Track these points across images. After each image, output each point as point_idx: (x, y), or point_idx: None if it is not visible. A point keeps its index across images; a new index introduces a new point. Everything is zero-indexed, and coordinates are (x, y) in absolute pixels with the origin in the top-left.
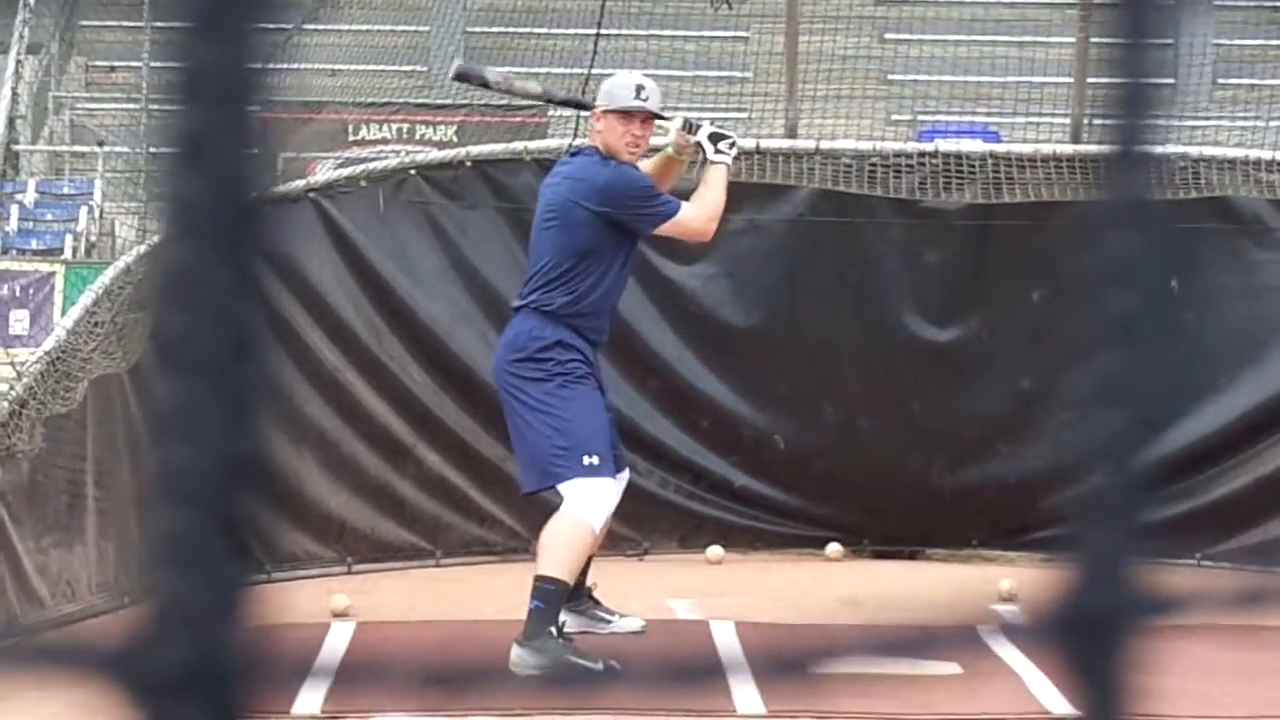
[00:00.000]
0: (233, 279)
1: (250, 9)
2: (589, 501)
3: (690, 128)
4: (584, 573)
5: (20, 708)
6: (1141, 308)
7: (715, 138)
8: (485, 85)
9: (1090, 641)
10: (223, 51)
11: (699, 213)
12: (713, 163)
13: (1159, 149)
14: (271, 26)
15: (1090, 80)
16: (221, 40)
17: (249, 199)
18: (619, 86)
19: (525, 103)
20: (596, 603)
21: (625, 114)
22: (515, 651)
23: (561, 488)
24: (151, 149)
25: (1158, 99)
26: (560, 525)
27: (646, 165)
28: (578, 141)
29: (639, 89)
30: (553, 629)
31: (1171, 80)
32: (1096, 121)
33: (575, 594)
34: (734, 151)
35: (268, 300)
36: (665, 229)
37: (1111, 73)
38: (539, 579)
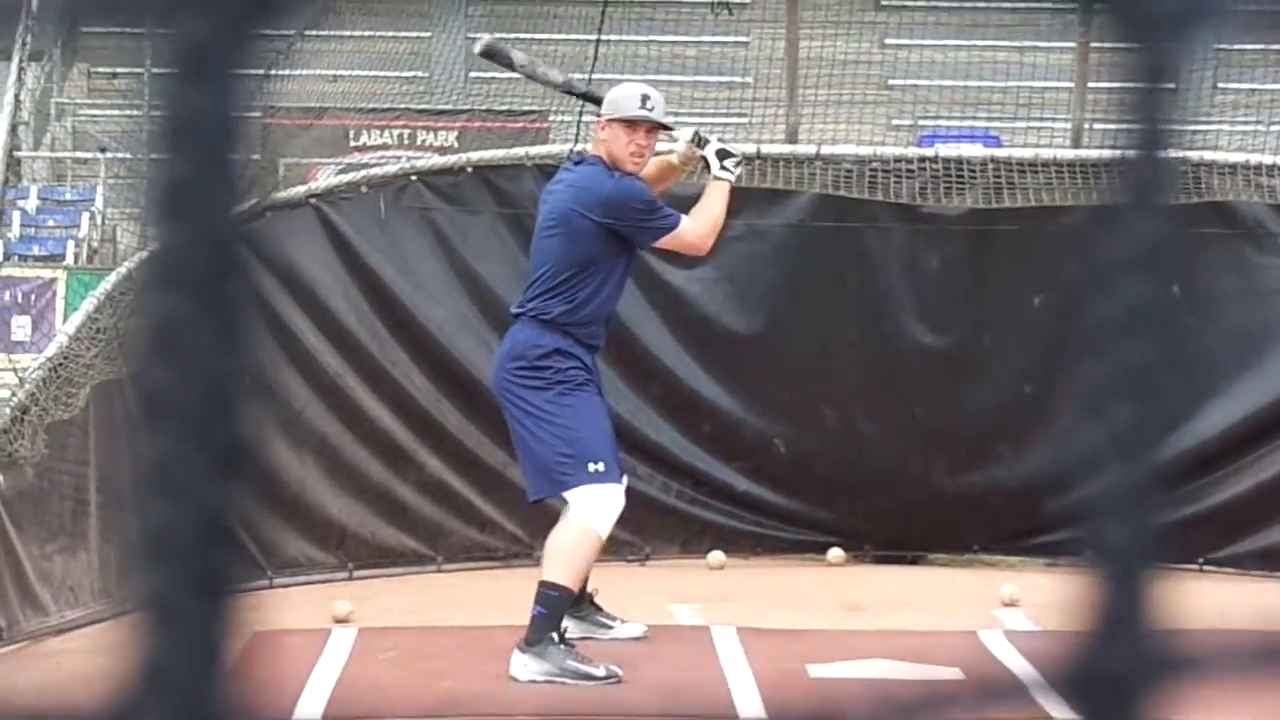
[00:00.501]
0: (216, 332)
1: (235, 56)
2: (595, 508)
3: (699, 141)
4: (585, 578)
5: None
6: (1153, 354)
7: (722, 154)
8: (510, 66)
9: (1107, 703)
10: (206, 99)
11: (699, 227)
12: (717, 178)
13: (1174, 152)
14: (273, 34)
15: (1091, 85)
16: (205, 88)
17: (233, 249)
18: (624, 96)
19: (526, 108)
20: (598, 608)
21: (630, 124)
22: (517, 657)
23: (568, 495)
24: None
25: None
26: (566, 532)
27: (648, 167)
28: (580, 147)
29: (644, 99)
30: (555, 635)
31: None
32: (1098, 126)
33: (577, 600)
34: (739, 170)
35: (252, 353)
36: (664, 242)
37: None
38: (543, 585)
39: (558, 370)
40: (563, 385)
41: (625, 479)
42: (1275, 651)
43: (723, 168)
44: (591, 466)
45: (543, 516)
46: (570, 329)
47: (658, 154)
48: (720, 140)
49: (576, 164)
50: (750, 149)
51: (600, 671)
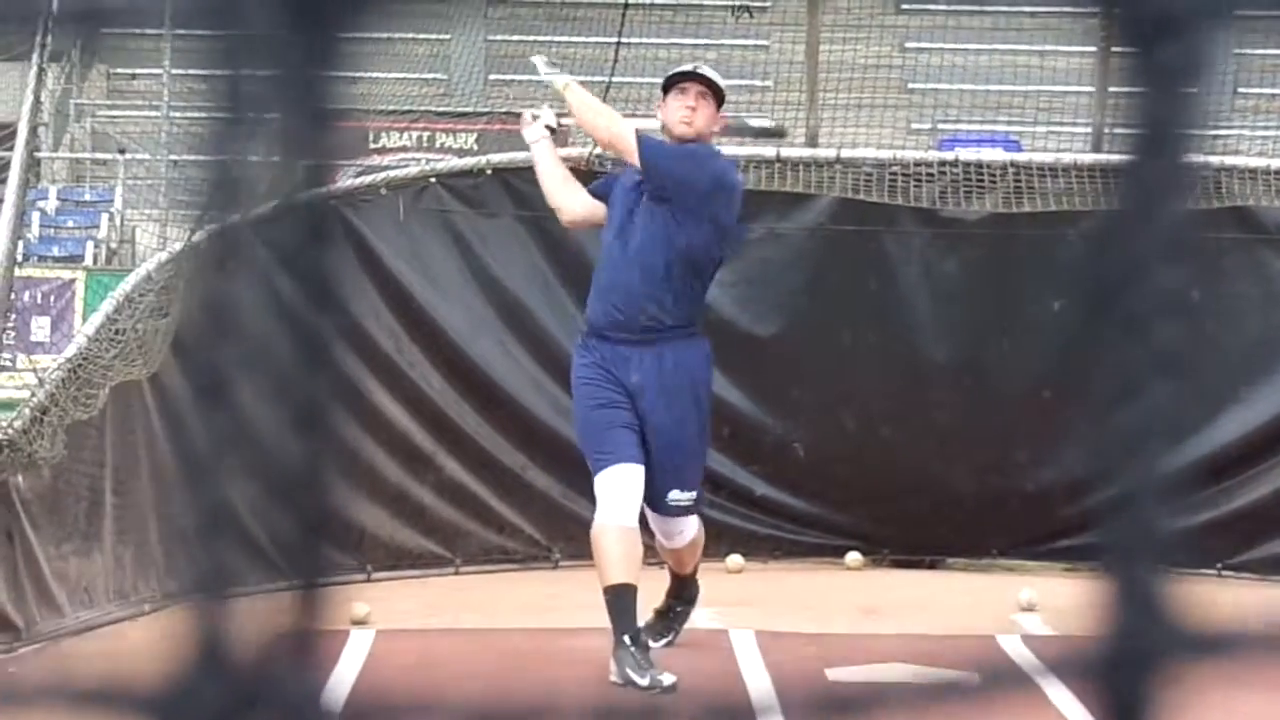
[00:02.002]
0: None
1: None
2: (599, 502)
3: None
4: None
5: (40, 714)
6: (1185, 339)
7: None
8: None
9: (1128, 679)
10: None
11: (603, 123)
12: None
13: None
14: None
15: (1111, 89)
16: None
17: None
18: (668, 73)
19: None
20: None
21: (679, 90)
22: (611, 661)
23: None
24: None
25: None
26: (591, 532)
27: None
28: (599, 151)
29: (693, 67)
30: (626, 637)
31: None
32: (1118, 131)
33: None
34: (555, 77)
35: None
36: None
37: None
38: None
39: (573, 365)
40: (575, 389)
41: (672, 520)
42: None
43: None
44: (590, 461)
45: (560, 519)
46: (589, 321)
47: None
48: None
49: None
50: (770, 153)
51: (642, 681)
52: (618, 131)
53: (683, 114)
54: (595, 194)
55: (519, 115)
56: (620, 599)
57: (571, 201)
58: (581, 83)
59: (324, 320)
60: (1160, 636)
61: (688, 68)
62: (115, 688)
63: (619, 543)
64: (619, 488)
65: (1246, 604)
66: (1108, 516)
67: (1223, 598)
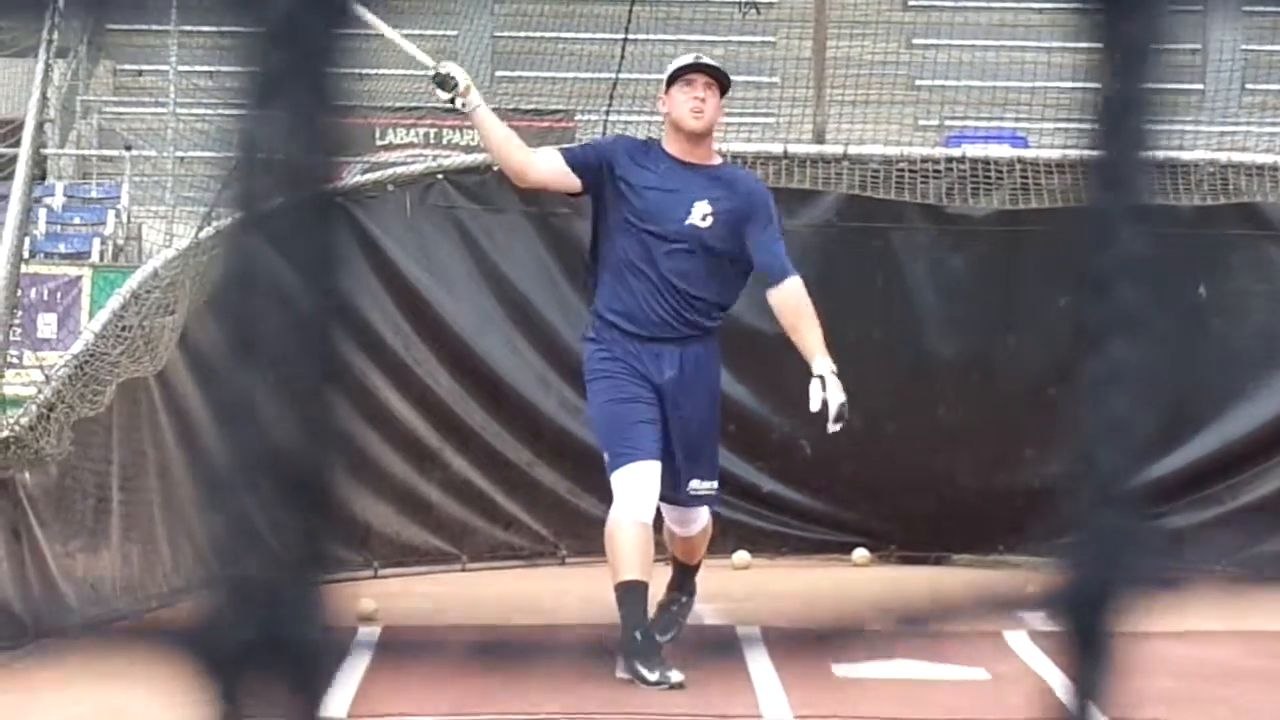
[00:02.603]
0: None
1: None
2: (616, 498)
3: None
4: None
5: (46, 709)
6: (1146, 302)
7: (448, 87)
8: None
9: (1086, 613)
10: (294, 56)
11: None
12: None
13: (1160, 154)
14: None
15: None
16: (293, 46)
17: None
18: (673, 64)
19: (552, 107)
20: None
21: (686, 82)
22: (618, 657)
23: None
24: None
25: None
26: (606, 527)
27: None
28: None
29: (697, 57)
30: (637, 632)
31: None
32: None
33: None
34: (456, 94)
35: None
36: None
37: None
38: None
39: (589, 358)
40: (589, 376)
41: (688, 512)
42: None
43: (449, 102)
44: (607, 455)
45: (567, 516)
46: (603, 315)
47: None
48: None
49: None
50: (778, 149)
51: (652, 676)
52: None
53: (692, 105)
54: (574, 163)
55: (526, 111)
56: (632, 594)
57: (539, 161)
58: (586, 80)
59: (325, 305)
60: (1117, 575)
61: (689, 59)
62: (152, 626)
63: (635, 539)
64: (638, 484)
65: (1251, 603)
66: (1071, 468)
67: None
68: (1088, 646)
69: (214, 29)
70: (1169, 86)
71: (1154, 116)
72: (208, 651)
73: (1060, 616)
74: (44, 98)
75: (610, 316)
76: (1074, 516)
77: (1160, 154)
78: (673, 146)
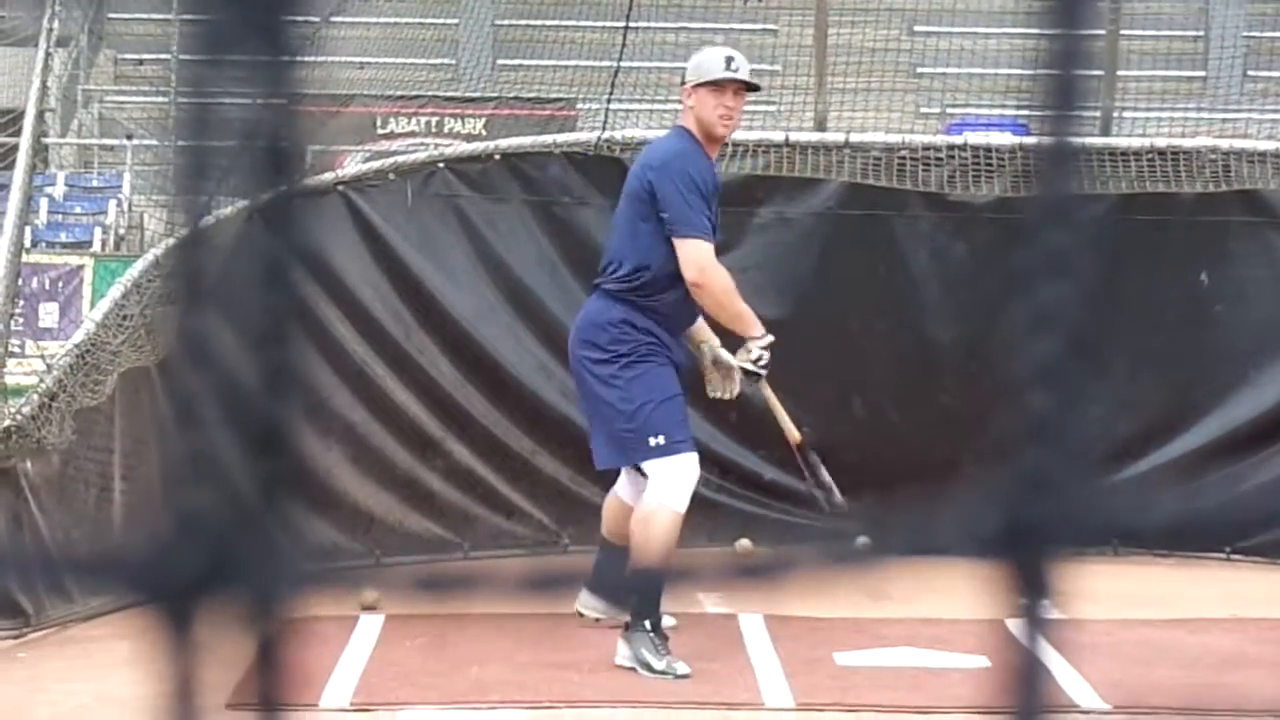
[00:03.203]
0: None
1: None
2: (666, 483)
3: (747, 373)
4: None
5: (51, 699)
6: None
7: (747, 374)
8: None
9: (1024, 555)
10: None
11: (712, 270)
12: (737, 358)
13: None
14: (299, 20)
15: (1120, 73)
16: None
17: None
18: (709, 60)
19: (554, 95)
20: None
21: (717, 86)
22: (619, 643)
23: (645, 468)
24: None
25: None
26: (640, 513)
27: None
28: (608, 136)
29: (729, 60)
30: (648, 622)
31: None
32: (1127, 114)
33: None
34: (741, 380)
35: (297, 294)
36: (677, 240)
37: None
38: (633, 570)
39: (624, 341)
40: (627, 358)
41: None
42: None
43: (743, 359)
44: (652, 440)
45: (569, 504)
46: (640, 301)
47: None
48: (760, 359)
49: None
50: (779, 137)
51: (659, 665)
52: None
53: (723, 112)
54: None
55: (528, 100)
56: (656, 584)
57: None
58: (588, 68)
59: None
60: (1054, 517)
61: (724, 63)
62: (107, 560)
63: (676, 530)
64: (690, 477)
65: (1253, 590)
66: (1004, 415)
67: (1233, 581)
68: (1025, 590)
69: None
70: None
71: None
72: (158, 581)
73: (997, 557)
74: (44, 87)
75: (660, 309)
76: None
77: (1161, 141)
78: (705, 143)
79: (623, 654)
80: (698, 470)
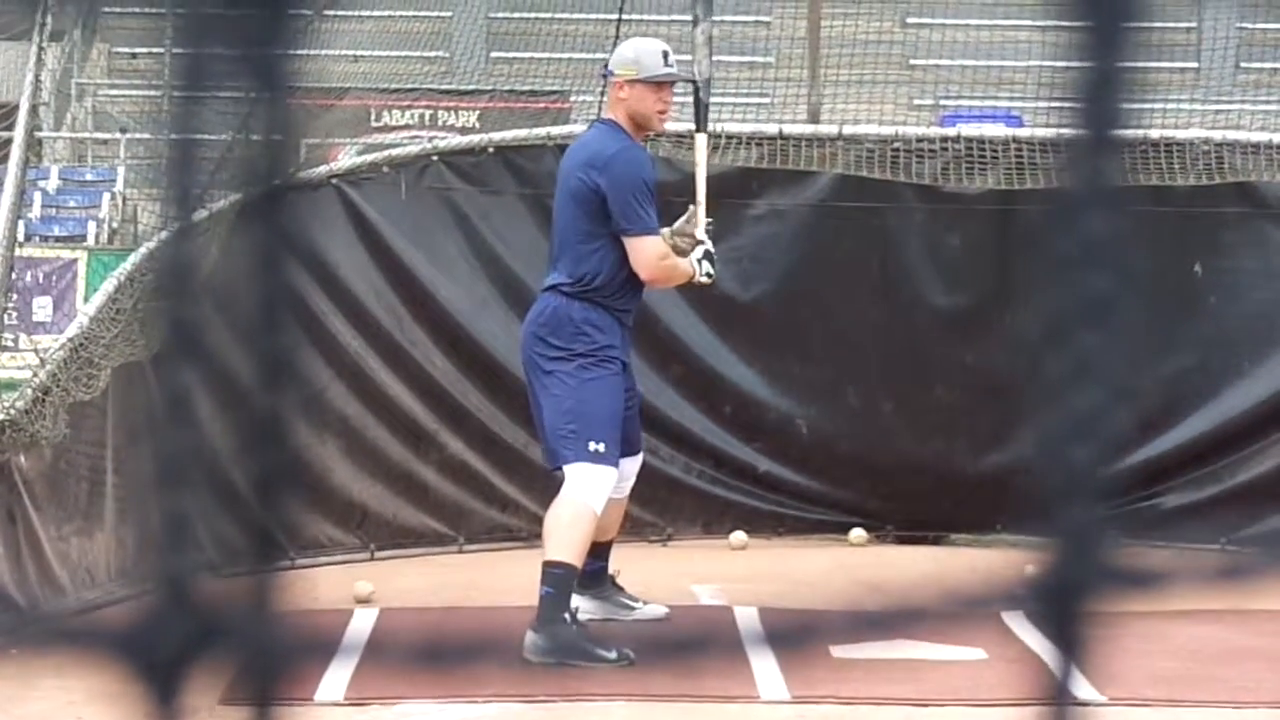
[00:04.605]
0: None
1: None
2: (589, 486)
3: (706, 255)
4: (606, 559)
5: (43, 694)
6: (1113, 290)
7: (708, 256)
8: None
9: (1060, 612)
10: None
11: (663, 261)
12: (690, 263)
13: (1129, 133)
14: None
15: (1115, 65)
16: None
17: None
18: (646, 54)
19: (548, 88)
20: (620, 589)
21: (656, 83)
22: (529, 638)
23: (565, 469)
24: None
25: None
26: (563, 509)
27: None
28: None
29: (665, 55)
30: (566, 615)
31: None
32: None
33: (598, 581)
34: (704, 280)
35: (287, 283)
36: (628, 239)
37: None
38: (546, 564)
39: (584, 343)
40: (586, 359)
41: (640, 457)
42: (1235, 569)
43: (697, 261)
44: (591, 445)
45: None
46: (599, 301)
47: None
48: (712, 253)
49: (590, 127)
50: (773, 129)
51: (611, 654)
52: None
53: (661, 108)
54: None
55: (522, 93)
56: (573, 579)
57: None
58: (582, 61)
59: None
60: (1093, 570)
61: (663, 60)
62: (88, 625)
63: (591, 531)
64: (607, 489)
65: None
66: (1040, 461)
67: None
68: (1063, 642)
69: (206, 11)
70: (1147, 65)
71: (1127, 96)
72: (143, 652)
73: (1036, 612)
74: (38, 81)
75: (617, 305)
76: (1043, 511)
77: (1154, 133)
78: (633, 134)
79: (540, 649)
80: (614, 486)
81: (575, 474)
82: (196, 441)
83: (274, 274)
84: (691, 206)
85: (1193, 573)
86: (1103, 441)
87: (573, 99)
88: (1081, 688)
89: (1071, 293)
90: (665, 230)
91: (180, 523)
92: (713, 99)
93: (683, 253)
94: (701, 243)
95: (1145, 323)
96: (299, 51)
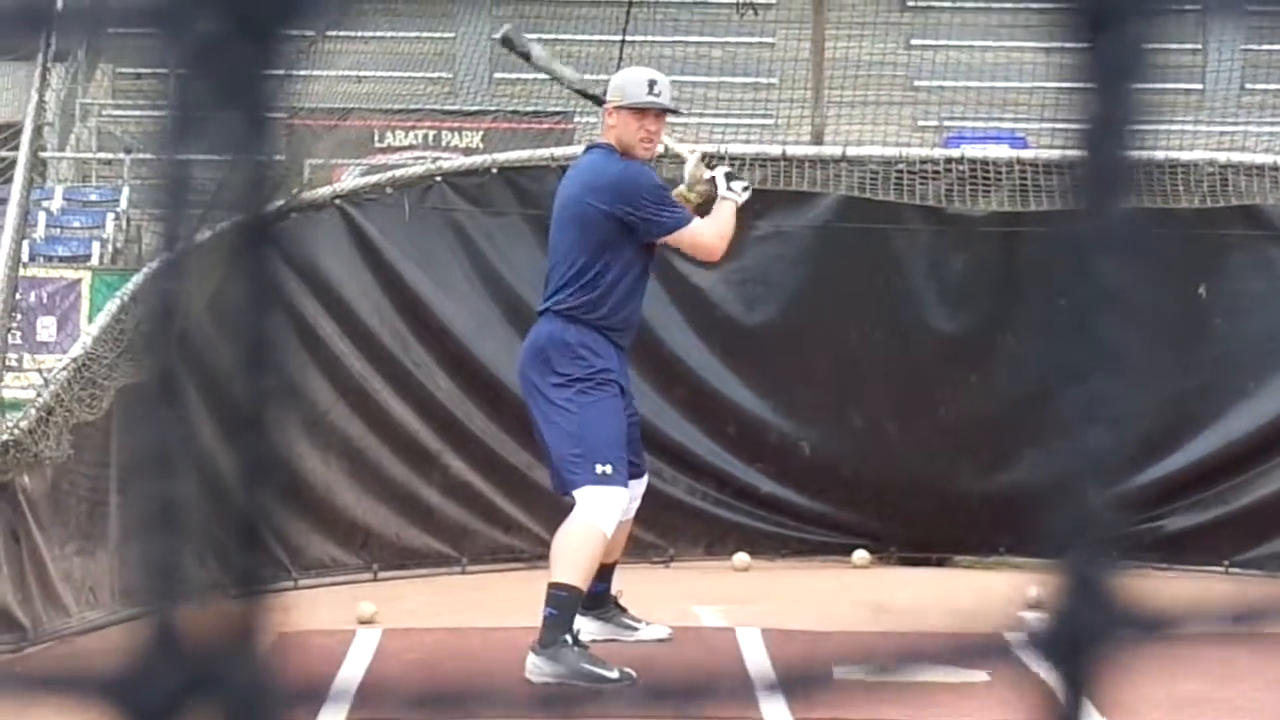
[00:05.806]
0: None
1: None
2: (599, 509)
3: (709, 163)
4: (609, 580)
5: (46, 711)
6: (1127, 331)
7: (730, 176)
8: (526, 58)
9: (1073, 658)
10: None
11: (711, 229)
12: (724, 198)
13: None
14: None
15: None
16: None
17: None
18: (631, 82)
19: (552, 109)
20: (622, 610)
21: (639, 110)
22: (531, 659)
23: (575, 494)
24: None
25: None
26: (572, 532)
27: None
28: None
29: (651, 84)
30: (568, 636)
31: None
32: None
33: (601, 602)
34: (746, 194)
35: (277, 319)
36: (675, 238)
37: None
38: (552, 586)
39: (581, 367)
40: (584, 383)
41: (645, 479)
42: (1251, 607)
43: (729, 189)
44: (599, 468)
45: (566, 518)
46: (595, 324)
47: (670, 181)
48: (730, 164)
49: (586, 152)
50: (775, 150)
51: (614, 674)
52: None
53: (643, 136)
54: None
55: (525, 113)
56: (578, 602)
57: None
58: (587, 82)
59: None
60: (1102, 619)
61: (648, 89)
62: (76, 672)
63: (600, 554)
64: (618, 511)
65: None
66: (1052, 505)
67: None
68: (1070, 688)
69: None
70: (1158, 96)
71: (1137, 135)
72: (130, 701)
73: (1046, 660)
74: (42, 101)
75: (612, 328)
76: (1053, 554)
77: (1159, 155)
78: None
79: (543, 670)
80: (624, 507)
81: (585, 497)
82: (185, 486)
83: (261, 312)
84: (685, 155)
85: (1204, 616)
86: (1114, 483)
87: (576, 120)
88: (1086, 712)
89: (1082, 336)
90: (680, 188)
91: (169, 564)
92: (716, 120)
93: (711, 198)
94: (713, 175)
95: (1153, 357)
96: (292, 74)
